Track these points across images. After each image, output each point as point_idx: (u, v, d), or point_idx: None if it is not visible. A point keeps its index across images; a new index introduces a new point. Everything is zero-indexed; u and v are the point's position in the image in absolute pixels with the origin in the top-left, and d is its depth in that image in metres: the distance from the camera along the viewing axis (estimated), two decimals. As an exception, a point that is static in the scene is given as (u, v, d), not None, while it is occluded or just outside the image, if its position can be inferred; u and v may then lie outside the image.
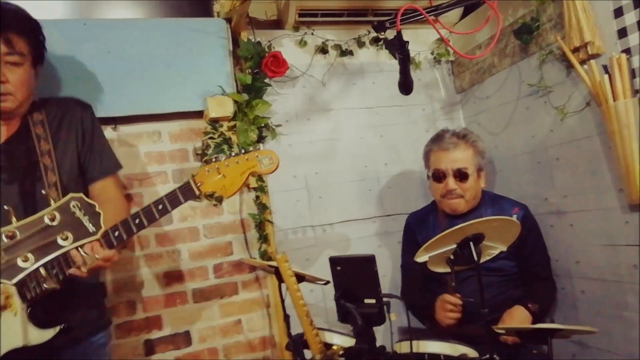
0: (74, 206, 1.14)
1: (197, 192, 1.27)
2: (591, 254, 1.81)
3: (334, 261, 1.23)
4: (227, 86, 2.05)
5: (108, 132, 1.98)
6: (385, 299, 1.17)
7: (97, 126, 1.55)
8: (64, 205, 1.14)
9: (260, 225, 2.10)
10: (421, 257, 1.29)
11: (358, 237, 2.27)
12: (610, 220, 1.71)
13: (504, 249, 1.39)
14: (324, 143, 2.27)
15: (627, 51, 1.56)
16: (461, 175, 1.89)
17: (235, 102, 2.01)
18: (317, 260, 2.19)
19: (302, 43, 2.24)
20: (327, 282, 1.39)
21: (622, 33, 1.57)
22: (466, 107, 2.46)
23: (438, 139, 1.96)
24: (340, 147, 2.29)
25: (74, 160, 1.46)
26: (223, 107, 2.02)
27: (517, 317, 1.74)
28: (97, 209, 1.17)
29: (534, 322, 1.75)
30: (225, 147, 2.02)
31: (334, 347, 1.31)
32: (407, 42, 1.38)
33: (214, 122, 2.05)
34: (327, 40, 2.27)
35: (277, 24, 2.26)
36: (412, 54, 2.36)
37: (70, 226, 1.14)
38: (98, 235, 1.17)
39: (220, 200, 1.23)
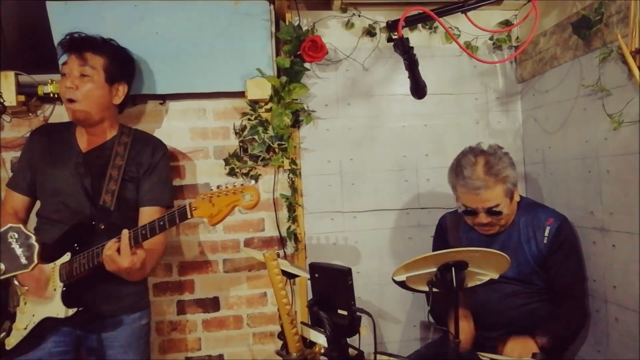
0: (11, 236, 1.30)
1: (190, 216, 1.44)
2: (630, 281, 1.64)
3: (313, 268, 1.26)
4: (267, 68, 2.08)
5: (156, 106, 2.13)
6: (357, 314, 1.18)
7: (164, 163, 1.82)
8: (2, 234, 1.30)
9: (291, 207, 2.17)
10: (399, 276, 1.26)
11: (389, 227, 2.25)
12: (653, 249, 1.52)
13: (496, 276, 1.31)
14: (363, 129, 2.23)
15: (696, 60, 1.32)
16: (494, 213, 1.75)
17: (273, 85, 2.04)
18: (344, 246, 2.22)
19: (349, 25, 2.17)
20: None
21: (693, 37, 1.33)
22: (525, 99, 2.25)
23: (462, 176, 1.73)
24: (379, 135, 2.24)
25: (137, 182, 1.74)
26: (261, 89, 2.06)
27: (519, 350, 1.63)
28: (34, 240, 1.34)
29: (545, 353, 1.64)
30: (260, 129, 2.08)
31: (316, 347, 1.35)
32: (412, 47, 1.29)
33: (254, 103, 2.11)
34: (376, 22, 2.19)
35: (327, 4, 2.21)
36: (469, 38, 2.20)
37: (5, 256, 1.31)
38: (29, 269, 1.34)
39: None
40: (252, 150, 2.10)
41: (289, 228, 2.17)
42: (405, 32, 2.14)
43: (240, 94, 2.13)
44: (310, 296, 2.11)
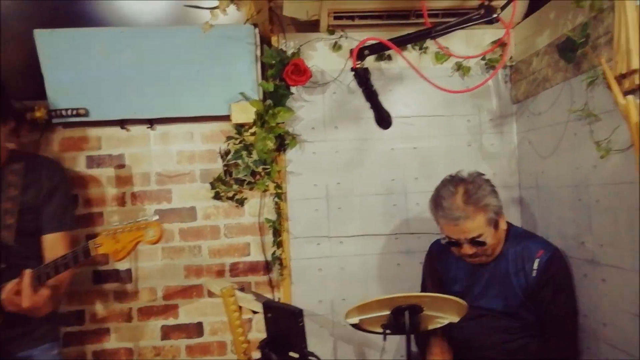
0: None
1: (93, 253, 1.40)
2: (620, 320, 1.53)
3: (267, 307, 1.22)
4: (253, 92, 2.07)
5: (144, 130, 2.14)
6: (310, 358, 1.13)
7: (64, 185, 1.74)
8: None
9: (276, 231, 2.13)
10: (351, 319, 1.21)
11: (376, 253, 2.19)
12: (642, 287, 1.42)
13: (456, 320, 1.23)
14: (351, 153, 2.19)
15: (681, 87, 1.23)
16: (478, 243, 1.67)
17: (257, 109, 2.02)
18: (330, 272, 2.17)
19: (337, 47, 2.14)
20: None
21: (678, 63, 1.24)
22: (520, 120, 2.17)
23: (441, 207, 1.66)
24: (367, 158, 2.19)
25: (37, 209, 1.64)
26: (246, 113, 2.05)
27: None
28: None
29: None
30: (244, 153, 2.06)
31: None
32: (368, 78, 1.24)
33: (240, 126, 2.10)
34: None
35: (314, 26, 2.19)
36: (461, 59, 2.14)
37: None
38: None
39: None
40: (236, 174, 2.08)
41: (273, 253, 2.14)
42: (394, 53, 2.14)
43: (228, 118, 2.12)
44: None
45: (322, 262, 2.17)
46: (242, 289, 1.44)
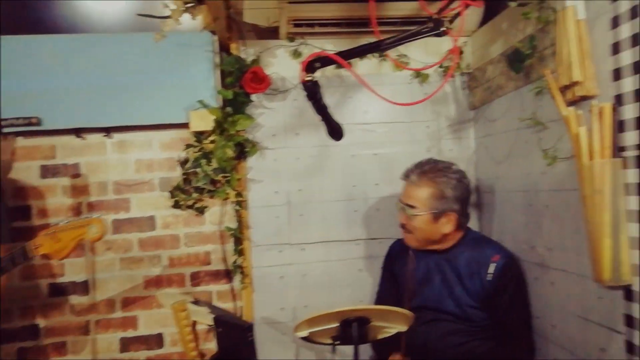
0: None
1: (31, 255, 1.38)
2: (566, 322, 1.59)
3: (217, 322, 1.21)
4: (212, 100, 2.06)
5: (100, 139, 2.10)
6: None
7: None
8: None
9: (237, 239, 2.12)
10: (301, 332, 1.21)
11: (338, 259, 2.20)
12: (586, 291, 1.47)
13: (404, 329, 1.26)
14: (312, 159, 2.19)
15: (619, 98, 1.28)
16: (409, 215, 1.78)
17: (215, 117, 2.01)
18: (292, 279, 2.17)
19: (297, 54, 2.14)
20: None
21: (617, 75, 1.29)
22: (477, 126, 2.22)
23: (409, 168, 1.84)
24: (328, 165, 2.20)
25: None
26: (205, 121, 2.03)
27: None
28: None
29: None
30: (203, 161, 2.04)
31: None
32: (316, 92, 1.25)
33: (200, 134, 2.08)
34: (325, 50, 2.15)
35: (275, 33, 2.19)
36: (419, 66, 2.17)
37: None
38: None
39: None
40: (195, 182, 2.06)
41: (235, 261, 2.13)
42: (354, 60, 2.16)
43: (187, 125, 2.09)
44: (257, 332, 2.08)
45: (283, 270, 2.17)
46: (196, 302, 1.43)
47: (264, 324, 2.15)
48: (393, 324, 1.26)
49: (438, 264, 1.84)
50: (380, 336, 1.25)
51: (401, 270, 1.94)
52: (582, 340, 1.52)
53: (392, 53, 2.17)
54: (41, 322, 2.08)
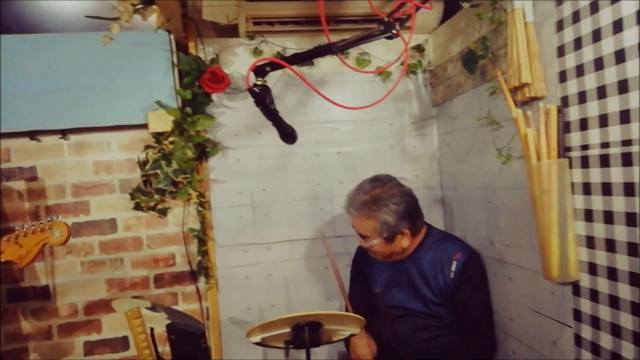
0: None
1: None
2: (523, 316, 1.62)
3: (170, 329, 1.20)
4: (171, 100, 2.02)
5: (56, 141, 2.05)
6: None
7: None
8: None
9: (201, 240, 2.10)
10: (254, 338, 1.22)
11: (304, 257, 2.20)
12: (539, 286, 1.51)
13: (357, 331, 1.27)
14: (275, 159, 2.18)
15: (566, 99, 1.31)
16: (366, 239, 1.78)
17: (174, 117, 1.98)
18: (258, 279, 2.17)
19: (257, 52, 2.12)
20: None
21: (563, 77, 1.31)
22: (440, 123, 2.23)
23: (346, 202, 1.82)
24: (292, 164, 2.19)
25: None
26: (164, 122, 2.00)
27: None
28: None
29: None
30: (163, 162, 2.01)
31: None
32: (264, 97, 1.24)
33: (159, 135, 2.04)
34: (285, 48, 2.14)
35: (234, 31, 2.16)
36: (382, 64, 2.17)
37: None
38: None
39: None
40: (156, 184, 2.03)
41: (199, 262, 2.11)
42: (316, 59, 2.14)
43: (147, 126, 2.05)
44: (224, 333, 2.08)
45: (249, 270, 2.16)
46: (153, 308, 1.41)
47: (231, 324, 2.15)
48: (346, 327, 1.27)
49: (404, 267, 1.86)
50: (335, 338, 1.26)
51: (369, 270, 1.96)
52: (537, 333, 1.56)
53: (354, 51, 2.17)
54: (1, 327, 2.03)
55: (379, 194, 1.73)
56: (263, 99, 1.25)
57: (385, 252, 1.78)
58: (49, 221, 1.33)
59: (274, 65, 1.27)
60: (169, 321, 1.35)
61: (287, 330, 1.22)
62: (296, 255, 2.19)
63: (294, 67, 2.13)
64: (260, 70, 1.27)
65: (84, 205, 2.08)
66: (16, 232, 1.34)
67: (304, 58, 1.34)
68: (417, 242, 1.85)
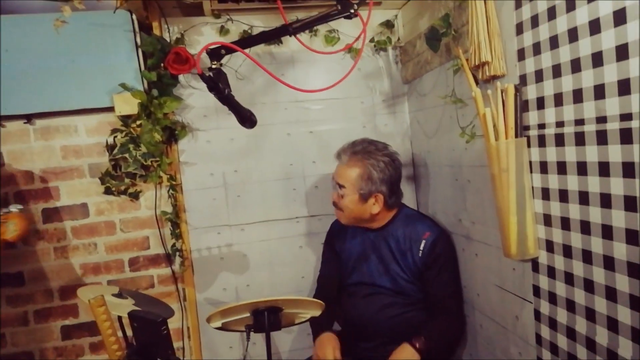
0: None
1: None
2: (488, 291, 1.66)
3: (132, 317, 1.21)
4: (136, 82, 1.98)
5: (21, 126, 2.01)
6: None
7: None
8: None
9: (174, 223, 2.10)
10: (214, 323, 1.23)
11: (279, 237, 2.21)
12: (502, 262, 1.54)
13: (317, 313, 1.29)
14: (246, 139, 2.17)
15: (524, 78, 1.30)
16: (340, 193, 1.81)
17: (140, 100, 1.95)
18: (233, 260, 2.18)
19: (224, 31, 2.08)
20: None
21: (521, 55, 1.31)
22: (411, 100, 2.23)
23: (342, 147, 1.86)
24: (264, 144, 2.18)
25: None
26: (130, 105, 1.97)
27: (403, 357, 1.65)
28: None
29: (424, 358, 1.66)
30: (131, 146, 1.99)
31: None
32: (217, 83, 1.22)
33: (127, 118, 2.01)
34: (252, 27, 2.09)
35: (199, 9, 2.10)
36: (350, 40, 2.14)
37: None
38: None
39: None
40: (125, 168, 2.01)
41: (173, 245, 2.11)
42: (285, 37, 2.10)
43: (113, 109, 2.02)
44: (201, 313, 2.10)
45: (223, 251, 2.17)
46: (120, 295, 1.42)
47: (207, 304, 2.17)
48: (306, 310, 1.29)
49: (374, 242, 1.88)
50: (297, 321, 1.29)
51: (342, 248, 1.98)
52: (501, 308, 1.60)
53: (322, 28, 2.13)
54: (-24, 316, 2.04)
55: (374, 150, 1.80)
56: (216, 84, 1.22)
57: (353, 212, 1.81)
58: (5, 211, 1.30)
59: (229, 49, 1.24)
60: (134, 308, 1.36)
61: (248, 314, 1.24)
62: (270, 235, 2.20)
63: (262, 45, 2.12)
64: (215, 54, 1.25)
65: (54, 190, 2.06)
66: None
67: (259, 40, 1.31)
68: (389, 218, 1.86)
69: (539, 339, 1.39)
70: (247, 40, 1.32)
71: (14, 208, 1.32)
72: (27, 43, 1.91)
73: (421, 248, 1.79)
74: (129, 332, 1.33)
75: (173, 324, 2.18)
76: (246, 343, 1.26)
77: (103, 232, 2.12)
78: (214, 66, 1.27)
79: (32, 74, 1.92)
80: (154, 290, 2.16)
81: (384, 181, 1.78)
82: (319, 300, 1.29)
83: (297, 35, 2.10)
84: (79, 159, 2.08)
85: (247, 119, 1.32)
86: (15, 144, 2.02)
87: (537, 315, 1.39)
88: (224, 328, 1.32)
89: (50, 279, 2.09)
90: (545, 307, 1.35)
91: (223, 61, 2.04)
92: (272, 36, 1.38)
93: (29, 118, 2.01)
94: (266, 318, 1.19)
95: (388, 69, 2.24)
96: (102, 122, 2.08)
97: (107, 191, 2.07)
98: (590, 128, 1.07)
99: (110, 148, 2.02)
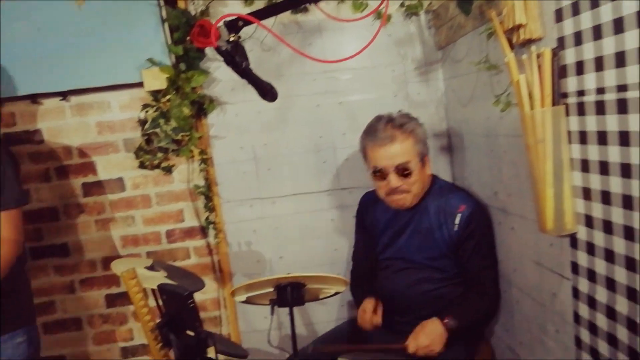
0: None
1: None
2: (525, 266, 1.60)
3: (161, 290, 1.24)
4: (164, 57, 1.99)
5: (57, 103, 2.07)
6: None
7: (3, 168, 1.56)
8: None
9: (207, 196, 2.13)
10: (239, 297, 1.24)
11: (309, 210, 2.21)
12: (539, 237, 1.47)
13: (342, 289, 1.28)
14: (275, 112, 2.14)
15: (562, 40, 1.20)
16: (404, 171, 1.70)
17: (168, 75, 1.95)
18: (265, 232, 2.20)
19: (249, 1, 2.03)
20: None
21: (559, 16, 1.20)
22: (445, 66, 2.12)
23: (372, 131, 1.74)
24: (292, 116, 2.15)
25: None
26: (159, 80, 1.99)
27: (428, 332, 1.63)
28: None
29: (453, 336, 1.64)
30: (161, 121, 2.01)
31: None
32: (233, 56, 1.18)
33: (156, 93, 2.03)
34: (278, -5, 2.03)
35: (227, -22, 2.06)
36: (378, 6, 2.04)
37: None
38: None
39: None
40: (157, 143, 2.05)
41: (207, 218, 2.15)
42: (311, 6, 2.03)
43: (143, 84, 2.04)
44: (235, 284, 2.14)
45: (256, 224, 2.19)
46: (152, 267, 1.46)
47: (242, 276, 2.22)
48: (330, 285, 1.29)
49: (409, 217, 1.83)
50: (321, 296, 1.29)
51: (373, 222, 1.95)
52: (537, 284, 1.54)
53: (350, -3, 2.04)
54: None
55: (399, 116, 1.77)
56: (232, 57, 1.19)
57: (421, 184, 1.75)
58: None
59: (246, 21, 1.21)
60: (165, 280, 1.40)
61: (271, 289, 1.24)
62: (301, 208, 2.20)
63: (288, 13, 2.05)
64: (232, 26, 1.21)
65: (91, 165, 2.13)
66: None
67: (277, 11, 1.26)
68: (426, 188, 1.81)
69: (577, 317, 1.32)
70: (267, 10, 1.27)
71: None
72: (59, 23, 1.93)
73: (456, 222, 1.73)
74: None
75: (210, 294, 2.24)
76: (272, 317, 1.27)
77: (140, 205, 2.18)
78: (231, 39, 1.23)
79: (66, 53, 1.95)
80: (190, 261, 2.22)
81: (424, 134, 1.77)
82: (341, 277, 1.28)
83: (323, 3, 2.05)
84: (113, 134, 2.13)
85: (267, 92, 1.29)
86: (52, 120, 2.08)
87: (576, 293, 1.32)
88: (248, 302, 1.34)
89: (92, 250, 2.18)
90: (584, 285, 1.28)
91: (249, 32, 2.03)
92: (293, 5, 1.32)
93: (64, 95, 2.06)
94: (289, 293, 1.20)
95: (420, 34, 2.13)
96: (134, 98, 2.10)
97: (142, 165, 2.11)
98: (634, 94, 0.97)
99: (142, 123, 2.05)
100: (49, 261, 2.17)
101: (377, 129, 1.72)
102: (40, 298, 2.18)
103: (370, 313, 1.73)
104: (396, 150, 1.69)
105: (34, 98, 2.04)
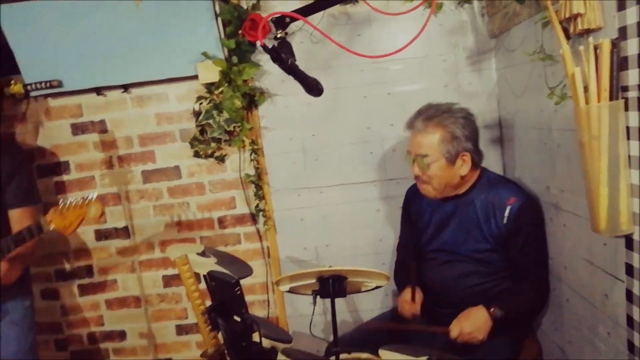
0: None
1: (45, 229, 1.52)
2: (576, 264, 1.54)
3: (211, 277, 1.31)
4: (217, 50, 2.06)
5: (120, 95, 2.19)
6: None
7: (25, 167, 1.85)
8: None
9: (257, 185, 2.21)
10: (282, 287, 1.29)
11: (356, 200, 2.23)
12: (593, 236, 1.41)
13: (383, 283, 1.29)
14: (323, 103, 2.15)
15: (624, 31, 1.14)
16: (422, 164, 1.72)
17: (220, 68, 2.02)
18: (312, 221, 2.24)
19: (299, -7, 2.05)
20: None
21: (622, 4, 1.14)
22: (498, 56, 2.06)
23: (412, 117, 1.77)
24: (340, 108, 2.16)
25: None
26: (212, 72, 2.06)
27: (473, 319, 1.62)
28: None
29: (499, 327, 1.62)
30: (215, 112, 2.09)
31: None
32: (279, 54, 1.20)
33: (210, 85, 2.11)
34: (330, -13, 2.04)
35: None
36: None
37: None
38: None
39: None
40: (210, 133, 2.13)
41: (257, 206, 2.22)
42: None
43: (197, 77, 2.12)
44: (283, 270, 2.22)
45: (303, 212, 2.24)
46: (203, 253, 1.54)
47: (290, 262, 2.28)
48: (371, 279, 1.31)
49: (455, 209, 1.82)
50: (362, 289, 1.31)
51: (417, 214, 1.94)
52: (589, 284, 1.48)
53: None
54: (93, 263, 2.34)
55: (447, 109, 1.74)
56: (278, 54, 1.22)
57: (443, 179, 1.73)
58: (88, 199, 1.48)
59: (293, 18, 1.23)
60: (215, 267, 1.47)
61: (314, 281, 1.28)
62: (348, 198, 2.22)
63: (334, 9, 2.05)
64: (279, 22, 1.24)
65: (150, 154, 2.25)
66: (63, 205, 1.52)
67: (325, 5, 1.27)
68: (473, 181, 1.79)
69: (630, 321, 1.27)
70: (316, 5, 1.29)
71: (92, 195, 1.50)
72: (118, 20, 2.03)
73: (506, 215, 1.69)
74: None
75: (259, 278, 2.33)
76: (314, 307, 1.31)
77: (194, 192, 2.28)
78: (278, 35, 1.26)
79: (126, 48, 2.06)
80: (241, 247, 2.31)
81: (469, 138, 1.71)
82: (383, 272, 1.30)
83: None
84: (171, 125, 2.23)
85: (313, 87, 1.31)
86: (115, 112, 2.22)
87: (630, 295, 1.26)
88: (292, 291, 1.39)
89: (151, 233, 2.31)
90: (638, 288, 1.22)
91: (299, 25, 2.05)
92: (335, 1, 1.32)
93: (126, 88, 2.18)
94: (331, 286, 1.23)
95: (473, 22, 2.08)
96: (190, 90, 2.20)
97: (196, 154, 2.21)
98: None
99: (196, 114, 2.13)
100: (111, 242, 2.33)
101: (416, 115, 1.76)
102: (104, 276, 2.35)
103: (409, 302, 1.74)
104: (419, 141, 1.72)
105: (99, 90, 2.17)
